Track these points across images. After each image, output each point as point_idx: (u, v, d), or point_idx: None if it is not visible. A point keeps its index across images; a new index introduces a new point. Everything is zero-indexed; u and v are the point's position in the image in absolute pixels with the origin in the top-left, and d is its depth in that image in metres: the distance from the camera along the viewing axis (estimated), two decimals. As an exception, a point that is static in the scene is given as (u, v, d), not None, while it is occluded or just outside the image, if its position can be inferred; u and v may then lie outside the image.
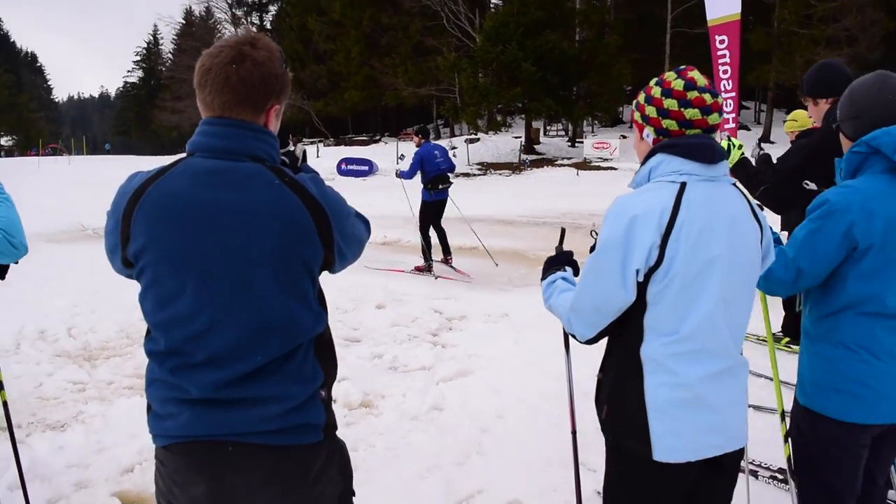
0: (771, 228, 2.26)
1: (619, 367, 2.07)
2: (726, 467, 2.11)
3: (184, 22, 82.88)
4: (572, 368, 2.56)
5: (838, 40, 37.59)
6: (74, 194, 24.30)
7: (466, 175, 35.90)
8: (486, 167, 37.74)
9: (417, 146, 10.70)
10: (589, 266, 2.04)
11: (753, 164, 3.91)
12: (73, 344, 7.18)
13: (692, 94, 1.99)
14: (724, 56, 21.58)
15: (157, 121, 79.40)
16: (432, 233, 10.72)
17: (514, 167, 36.59)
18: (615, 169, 32.73)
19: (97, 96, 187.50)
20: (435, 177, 10.42)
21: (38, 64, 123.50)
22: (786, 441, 2.86)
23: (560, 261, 2.41)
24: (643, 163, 2.09)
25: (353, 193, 19.03)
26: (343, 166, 35.63)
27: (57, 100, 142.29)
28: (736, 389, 2.07)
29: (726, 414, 2.03)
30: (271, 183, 1.73)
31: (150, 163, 43.00)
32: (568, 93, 40.28)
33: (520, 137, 41.98)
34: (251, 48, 1.78)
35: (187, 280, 1.71)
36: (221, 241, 1.70)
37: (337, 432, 1.94)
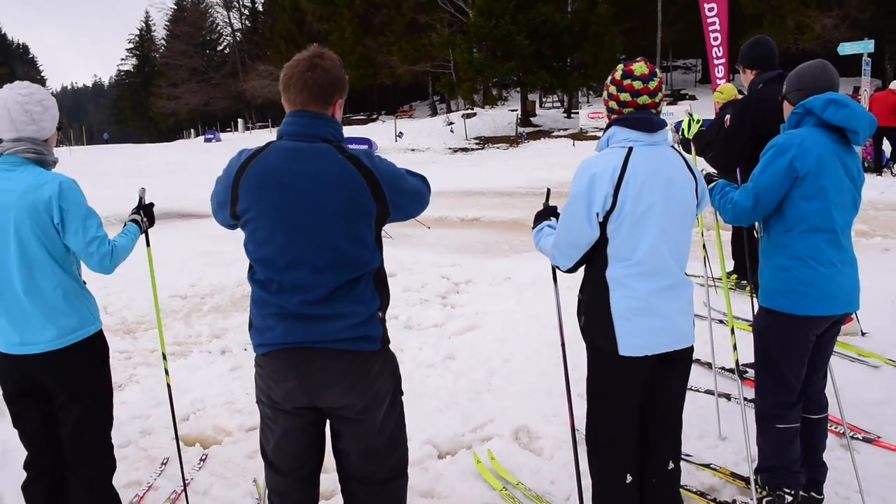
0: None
1: (592, 287, 2.75)
2: (677, 362, 2.78)
3: (175, 7, 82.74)
4: (560, 296, 3.18)
5: (829, 1, 37.79)
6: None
7: (465, 150, 36.40)
8: (484, 141, 38.21)
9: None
10: (564, 213, 2.72)
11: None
12: (112, 320, 7.81)
13: (626, 82, 2.67)
14: (713, 24, 21.92)
15: (154, 108, 79.64)
16: None
17: (512, 140, 37.05)
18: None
19: (91, 85, 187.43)
20: None
21: (30, 56, 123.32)
22: (734, 349, 3.61)
23: (546, 214, 3.09)
24: (604, 132, 2.78)
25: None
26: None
27: (51, 91, 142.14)
28: (680, 301, 2.72)
29: (673, 319, 2.68)
30: (335, 157, 2.37)
31: (151, 150, 43.02)
32: (562, 64, 40.64)
33: (516, 110, 42.38)
34: (320, 59, 2.42)
35: (279, 228, 2.35)
36: (303, 200, 2.34)
37: (389, 345, 2.59)
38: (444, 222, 14.35)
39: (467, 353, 5.81)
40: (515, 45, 35.80)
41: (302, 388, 2.42)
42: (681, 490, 3.07)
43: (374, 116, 58.92)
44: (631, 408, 2.77)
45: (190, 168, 35.44)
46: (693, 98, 45.35)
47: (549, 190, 3.33)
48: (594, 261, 2.72)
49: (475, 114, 43.06)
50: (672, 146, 2.77)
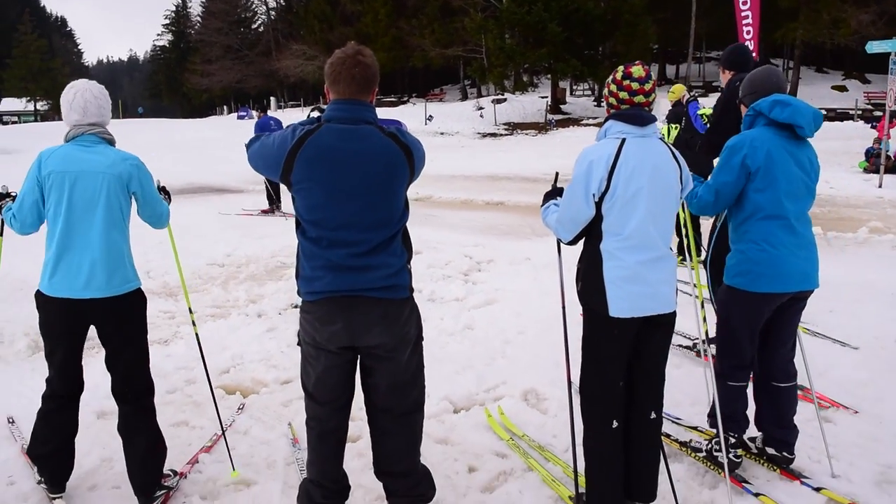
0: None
1: (588, 258, 3.18)
2: (660, 325, 3.20)
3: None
4: (563, 267, 3.63)
5: (866, -3, 37.46)
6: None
7: (493, 135, 36.68)
8: (513, 127, 38.48)
9: (259, 118, 14.43)
10: (566, 193, 3.19)
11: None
12: (154, 283, 8.35)
13: (625, 83, 3.11)
14: (746, 17, 21.97)
15: (188, 84, 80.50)
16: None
17: (540, 127, 37.26)
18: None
19: (126, 60, 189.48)
20: None
21: (68, 28, 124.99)
22: (704, 321, 4.11)
23: (553, 194, 3.53)
24: (602, 125, 3.23)
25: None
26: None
27: (87, 64, 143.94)
28: (663, 271, 3.14)
29: (657, 287, 3.11)
30: (379, 136, 2.84)
31: (185, 126, 43.38)
32: (594, 52, 40.71)
33: (546, 97, 42.54)
34: (362, 57, 2.87)
35: (332, 196, 2.79)
36: (353, 172, 2.78)
37: (414, 294, 3.08)
38: (469, 205, 14.79)
39: (485, 324, 6.27)
40: (547, 33, 35.96)
41: (346, 329, 2.84)
42: (662, 438, 3.51)
43: (405, 99, 59.31)
44: (619, 362, 3.20)
45: (223, 144, 36.14)
46: (725, 90, 45.15)
47: (557, 174, 3.76)
48: (591, 235, 3.15)
49: (505, 99, 43.31)
50: (660, 138, 3.20)
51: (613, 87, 3.15)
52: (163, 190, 4.08)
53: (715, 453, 3.80)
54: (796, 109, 3.48)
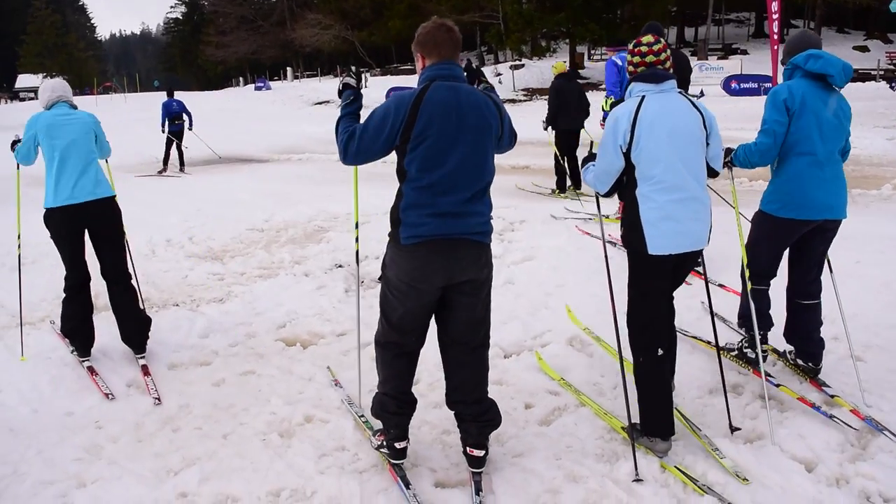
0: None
1: (628, 204, 3.59)
2: (688, 260, 3.66)
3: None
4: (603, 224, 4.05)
5: (889, -48, 36.74)
6: (140, 130, 25.56)
7: (512, 101, 36.62)
8: (532, 92, 38.38)
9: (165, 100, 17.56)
10: (599, 149, 3.65)
11: None
12: (198, 248, 8.66)
13: (636, 49, 3.62)
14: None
15: (203, 56, 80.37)
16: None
17: (559, 92, 37.01)
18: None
19: (139, 33, 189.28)
20: (170, 117, 17.16)
21: (81, 3, 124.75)
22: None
23: (590, 158, 3.97)
24: (627, 87, 3.70)
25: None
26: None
27: (100, 38, 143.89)
28: (695, 210, 3.49)
29: (688, 225, 3.48)
30: (479, 93, 3.26)
31: (203, 98, 43.17)
32: (612, 16, 40.39)
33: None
34: (451, 24, 3.31)
35: (450, 144, 3.11)
36: (465, 122, 3.14)
37: None
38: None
39: (525, 279, 6.53)
40: (565, -4, 35.71)
41: (445, 269, 3.18)
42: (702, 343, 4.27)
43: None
44: (661, 295, 3.67)
45: (243, 115, 36.36)
46: (745, 52, 44.72)
47: (592, 142, 4.28)
48: (628, 184, 3.57)
49: (523, 65, 43.12)
50: (679, 92, 3.61)
51: (629, 56, 3.65)
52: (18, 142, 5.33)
53: (745, 350, 4.49)
54: (827, 61, 3.96)
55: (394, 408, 3.46)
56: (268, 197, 12.18)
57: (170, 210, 11.22)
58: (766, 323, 4.49)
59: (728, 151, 4.27)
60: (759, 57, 42.16)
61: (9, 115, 33.25)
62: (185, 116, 17.32)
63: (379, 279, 3.51)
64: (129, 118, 20.02)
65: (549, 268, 6.76)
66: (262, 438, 3.97)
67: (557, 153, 11.10)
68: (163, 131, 17.20)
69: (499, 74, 41.96)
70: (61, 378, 4.85)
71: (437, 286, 3.23)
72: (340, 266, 7.43)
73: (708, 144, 3.57)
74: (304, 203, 11.08)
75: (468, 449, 3.45)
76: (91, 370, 4.92)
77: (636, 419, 3.65)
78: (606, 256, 3.94)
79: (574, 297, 5.89)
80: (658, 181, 3.43)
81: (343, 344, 5.29)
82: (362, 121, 3.30)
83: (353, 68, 3.72)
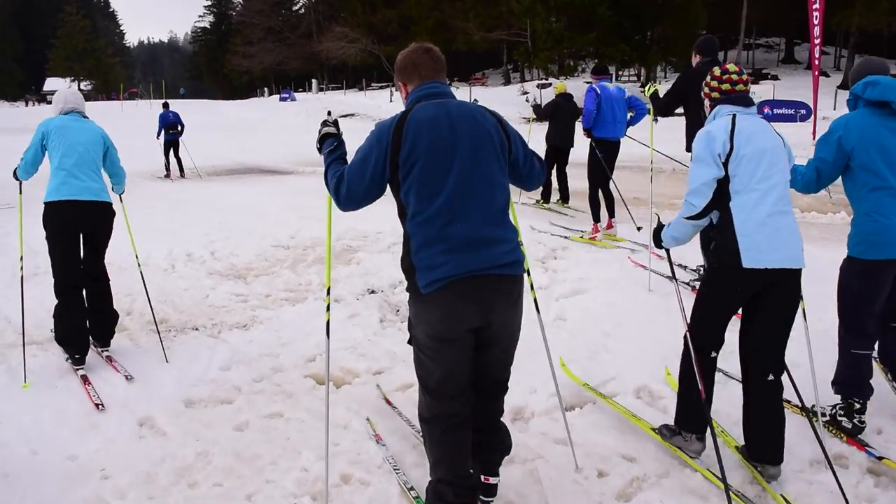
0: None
1: (721, 218, 3.43)
2: (785, 283, 3.37)
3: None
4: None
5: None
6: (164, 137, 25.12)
7: (539, 120, 36.12)
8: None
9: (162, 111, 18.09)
10: (693, 166, 3.47)
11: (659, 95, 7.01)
12: (220, 265, 8.16)
13: (724, 76, 3.61)
14: (815, 2, 21.04)
15: (229, 65, 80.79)
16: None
17: (587, 112, 36.54)
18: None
19: (166, 41, 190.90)
20: (167, 127, 17.71)
21: (111, 9, 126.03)
22: None
23: (660, 227, 3.81)
24: (710, 112, 3.67)
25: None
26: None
27: (129, 45, 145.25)
28: (789, 225, 3.35)
29: (785, 239, 3.31)
30: (470, 104, 2.99)
31: (229, 107, 43.61)
32: (642, 37, 39.91)
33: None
34: (428, 46, 3.07)
35: (442, 161, 2.75)
36: (457, 134, 2.80)
37: None
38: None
39: (577, 315, 5.93)
40: (596, 17, 35.27)
41: (477, 312, 2.79)
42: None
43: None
44: (731, 311, 3.55)
45: (268, 126, 36.12)
46: (776, 78, 43.98)
47: (658, 215, 4.29)
48: (722, 198, 3.41)
49: (550, 84, 42.60)
50: (762, 117, 3.60)
51: (714, 83, 3.63)
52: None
53: (839, 418, 3.96)
54: (886, 86, 3.77)
55: (451, 497, 2.93)
56: (293, 211, 11.69)
57: (191, 221, 10.76)
58: (867, 392, 3.98)
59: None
60: (791, 83, 41.49)
61: (35, 117, 33.17)
62: (180, 127, 17.93)
63: (409, 342, 3.06)
64: (154, 124, 19.57)
65: (603, 303, 6.15)
66: (293, 502, 3.40)
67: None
68: (158, 139, 18.14)
69: (526, 93, 41.49)
70: (66, 412, 4.33)
71: (470, 330, 2.85)
72: (373, 292, 6.87)
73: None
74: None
75: (483, 477, 3.17)
76: (84, 379, 4.79)
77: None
78: (681, 302, 3.35)
79: (636, 341, 5.27)
80: (756, 189, 3.34)
81: (381, 385, 4.72)
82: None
83: (330, 113, 3.49)
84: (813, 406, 3.98)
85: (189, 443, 3.97)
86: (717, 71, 3.64)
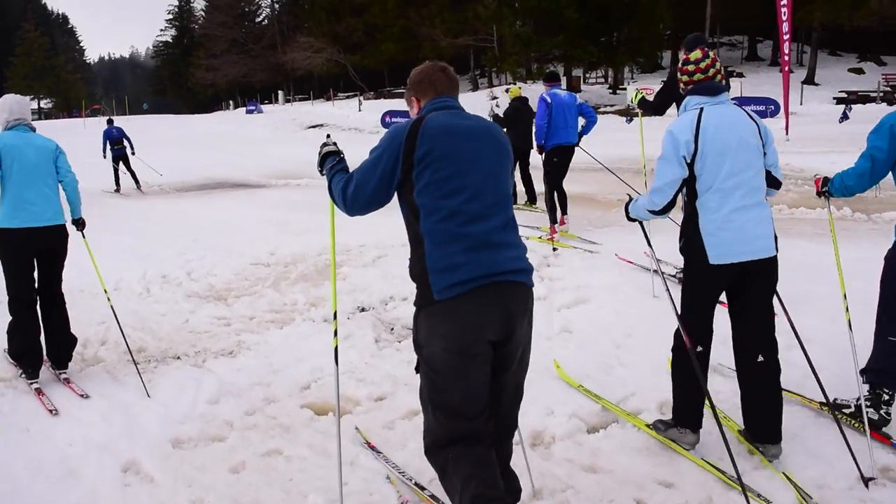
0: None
1: (687, 216, 3.58)
2: (759, 271, 3.49)
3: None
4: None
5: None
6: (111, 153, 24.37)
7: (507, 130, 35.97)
8: (529, 116, 37.72)
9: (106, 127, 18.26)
10: (658, 164, 3.55)
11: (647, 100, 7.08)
12: (198, 286, 7.74)
13: (684, 67, 3.67)
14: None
15: (193, 79, 79.73)
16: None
17: (558, 115, 36.46)
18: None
19: (128, 56, 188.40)
20: (112, 141, 17.69)
21: (70, 26, 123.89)
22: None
23: (630, 200, 3.95)
24: (682, 103, 3.69)
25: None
26: (388, 119, 35.85)
27: (89, 61, 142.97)
28: (757, 218, 3.44)
29: (750, 233, 3.41)
30: (481, 117, 2.92)
31: (195, 121, 42.97)
32: (609, 39, 39.94)
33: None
34: (444, 64, 3.04)
35: (460, 162, 2.67)
36: (473, 141, 2.74)
37: None
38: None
39: (583, 326, 5.63)
40: (564, 19, 35.19)
41: (501, 319, 2.62)
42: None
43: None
44: (712, 305, 3.67)
45: (236, 139, 35.51)
46: (741, 75, 44.24)
47: (629, 194, 4.24)
48: (688, 196, 3.56)
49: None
50: (735, 104, 3.65)
51: (678, 74, 3.73)
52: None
53: (865, 409, 3.72)
54: None
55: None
56: (269, 226, 11.28)
57: (164, 240, 10.28)
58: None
59: (825, 181, 4.13)
60: (756, 80, 41.78)
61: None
62: (125, 142, 17.88)
63: (417, 370, 2.79)
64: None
65: (610, 312, 5.85)
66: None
67: None
68: (104, 156, 17.87)
69: (495, 98, 41.31)
70: (42, 460, 3.92)
71: (492, 342, 2.65)
72: (364, 310, 6.51)
73: (765, 154, 3.58)
74: (311, 233, 10.14)
75: None
76: (38, 391, 4.80)
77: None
78: (671, 297, 3.06)
79: (651, 352, 4.95)
80: (719, 189, 3.43)
81: (385, 412, 4.38)
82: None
83: (329, 136, 3.39)
84: (836, 399, 4.03)
85: (181, 489, 3.60)
86: (681, 62, 3.76)
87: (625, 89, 40.61)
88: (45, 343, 5.11)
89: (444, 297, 2.57)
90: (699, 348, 3.58)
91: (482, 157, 2.72)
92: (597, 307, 6.01)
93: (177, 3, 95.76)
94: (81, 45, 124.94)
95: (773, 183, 3.66)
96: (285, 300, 6.97)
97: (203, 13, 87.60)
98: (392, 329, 5.95)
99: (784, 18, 20.93)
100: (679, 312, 3.66)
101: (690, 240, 3.55)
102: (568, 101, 9.47)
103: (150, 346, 5.85)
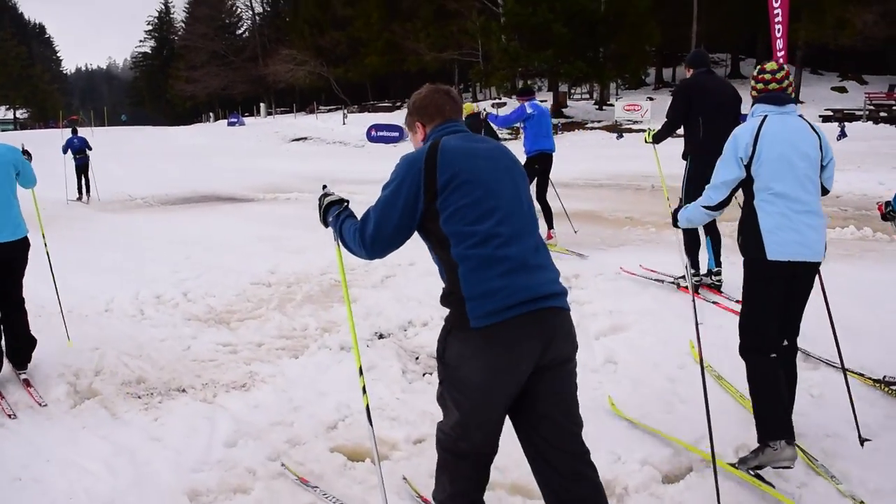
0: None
1: (746, 215, 3.74)
2: (804, 275, 3.66)
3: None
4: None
5: (869, -3, 37.03)
6: (107, 165, 23.59)
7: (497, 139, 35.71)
8: (515, 131, 37.48)
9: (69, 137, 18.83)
10: (719, 163, 3.80)
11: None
12: (197, 308, 7.22)
13: (759, 76, 3.86)
14: (777, 15, 20.94)
15: (172, 90, 78.92)
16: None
17: (545, 131, 36.29)
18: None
19: (105, 67, 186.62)
20: (74, 151, 18.30)
21: (47, 35, 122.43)
22: None
23: (679, 207, 4.25)
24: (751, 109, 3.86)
25: (382, 160, 18.89)
26: (373, 133, 35.47)
27: (66, 71, 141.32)
28: (812, 221, 3.59)
29: (806, 234, 3.56)
30: (493, 140, 2.89)
31: (176, 133, 42.82)
32: (595, 54, 39.81)
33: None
34: (448, 88, 2.99)
35: (488, 182, 2.61)
36: (492, 162, 2.70)
37: None
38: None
39: (628, 357, 5.17)
40: (552, 34, 34.99)
41: (542, 347, 2.52)
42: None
43: (399, 104, 57.85)
44: (774, 302, 3.68)
45: (217, 151, 34.92)
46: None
47: (681, 199, 4.53)
48: (747, 197, 3.76)
49: (504, 103, 42.19)
50: (800, 115, 3.79)
51: (752, 82, 3.89)
52: (26, 153, 5.67)
53: None
54: None
55: None
56: (265, 242, 10.75)
57: (154, 257, 9.73)
58: None
59: (887, 204, 4.39)
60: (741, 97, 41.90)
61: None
62: (87, 151, 18.39)
63: (440, 397, 2.75)
64: (96, 152, 18.48)
65: (655, 341, 5.38)
66: None
67: None
68: (65, 154, 18.51)
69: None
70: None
71: (526, 372, 2.55)
72: (382, 336, 6.02)
73: (823, 167, 3.74)
74: (310, 250, 9.62)
75: None
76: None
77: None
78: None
79: (708, 383, 4.52)
80: (776, 192, 3.60)
81: (429, 458, 3.85)
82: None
83: (325, 186, 3.25)
84: (885, 377, 4.37)
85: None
86: (756, 70, 3.91)
87: (612, 105, 40.53)
88: (6, 344, 5.21)
89: (482, 325, 2.48)
90: (772, 354, 3.65)
91: (503, 178, 2.69)
92: (639, 336, 5.55)
93: (157, 15, 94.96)
94: (58, 55, 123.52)
95: (822, 192, 3.79)
96: (294, 324, 6.46)
97: (183, 24, 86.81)
98: (417, 358, 5.47)
99: (778, 35, 20.82)
100: (738, 326, 3.80)
101: (749, 236, 3.71)
102: (545, 111, 9.92)
103: (150, 376, 5.33)
